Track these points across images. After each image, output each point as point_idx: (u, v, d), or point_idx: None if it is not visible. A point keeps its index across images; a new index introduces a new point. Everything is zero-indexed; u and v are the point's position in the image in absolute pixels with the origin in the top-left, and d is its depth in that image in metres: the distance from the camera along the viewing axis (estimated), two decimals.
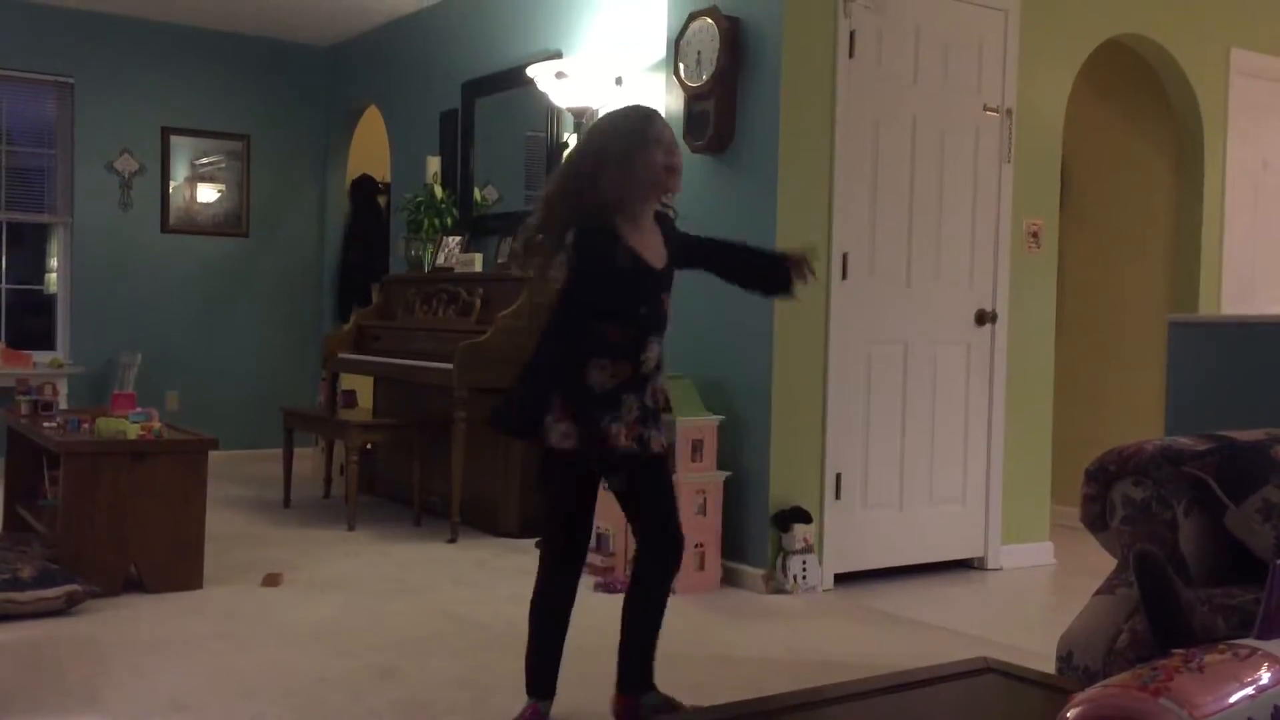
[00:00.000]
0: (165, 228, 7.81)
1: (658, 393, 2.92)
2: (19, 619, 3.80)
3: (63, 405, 6.09)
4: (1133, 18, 5.49)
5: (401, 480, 6.12)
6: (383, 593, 4.38)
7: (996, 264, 5.09)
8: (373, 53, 7.83)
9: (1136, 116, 6.11)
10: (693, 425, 4.47)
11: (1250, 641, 1.46)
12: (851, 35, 4.64)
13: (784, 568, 4.50)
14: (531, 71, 5.45)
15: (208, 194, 8.00)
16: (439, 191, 6.42)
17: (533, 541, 5.30)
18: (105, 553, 4.16)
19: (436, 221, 6.39)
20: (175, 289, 7.81)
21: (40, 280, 7.68)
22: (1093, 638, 2.45)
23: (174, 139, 7.82)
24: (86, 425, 4.48)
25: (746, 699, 2.36)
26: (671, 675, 3.40)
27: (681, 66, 4.79)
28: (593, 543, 4.73)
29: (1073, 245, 6.09)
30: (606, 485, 3.04)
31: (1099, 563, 2.88)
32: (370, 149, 8.36)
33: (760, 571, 4.54)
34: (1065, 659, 2.49)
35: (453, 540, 5.32)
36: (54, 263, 7.62)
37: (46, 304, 7.65)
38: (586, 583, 4.57)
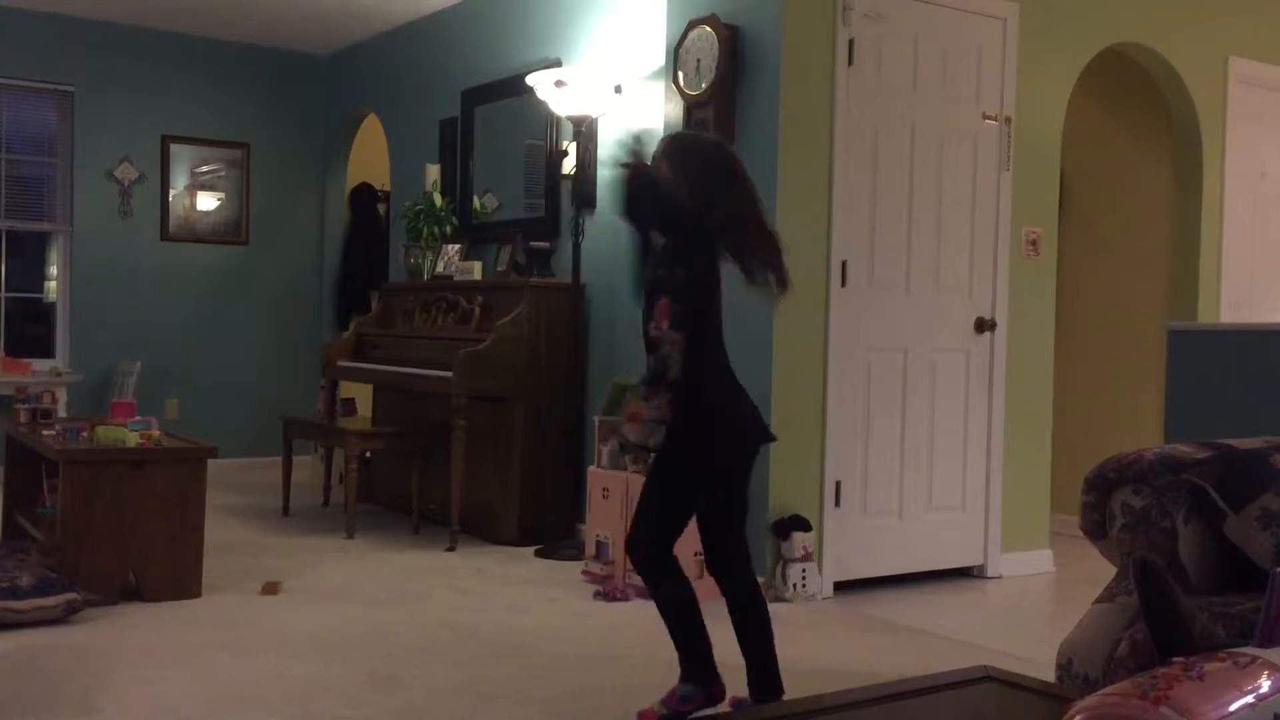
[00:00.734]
0: (165, 236, 7.81)
1: None
2: (17, 627, 3.79)
3: (62, 413, 6.09)
4: (1131, 26, 5.50)
5: (401, 488, 6.12)
6: (382, 601, 4.38)
7: (995, 272, 5.09)
8: (372, 61, 7.84)
9: (1135, 125, 6.12)
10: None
11: (1250, 649, 1.46)
12: (850, 43, 4.65)
13: (783, 576, 4.49)
14: (531, 80, 5.46)
15: (207, 202, 8.00)
16: (438, 199, 6.43)
17: (532, 550, 5.31)
18: (104, 561, 4.16)
19: (436, 229, 6.39)
20: (175, 297, 7.81)
21: (40, 288, 7.69)
22: (1092, 646, 2.44)
23: (174, 147, 7.83)
24: (85, 433, 4.48)
25: (748, 709, 2.36)
26: (670, 683, 3.39)
27: (680, 75, 4.80)
28: (592, 550, 4.76)
29: (1072, 253, 6.09)
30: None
31: (1098, 571, 2.88)
32: (370, 157, 8.37)
33: (760, 580, 4.53)
34: (1065, 667, 2.49)
35: (452, 549, 5.32)
36: (53, 271, 7.62)
37: (46, 312, 7.65)
38: (585, 590, 4.57)
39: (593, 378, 5.58)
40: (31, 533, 4.77)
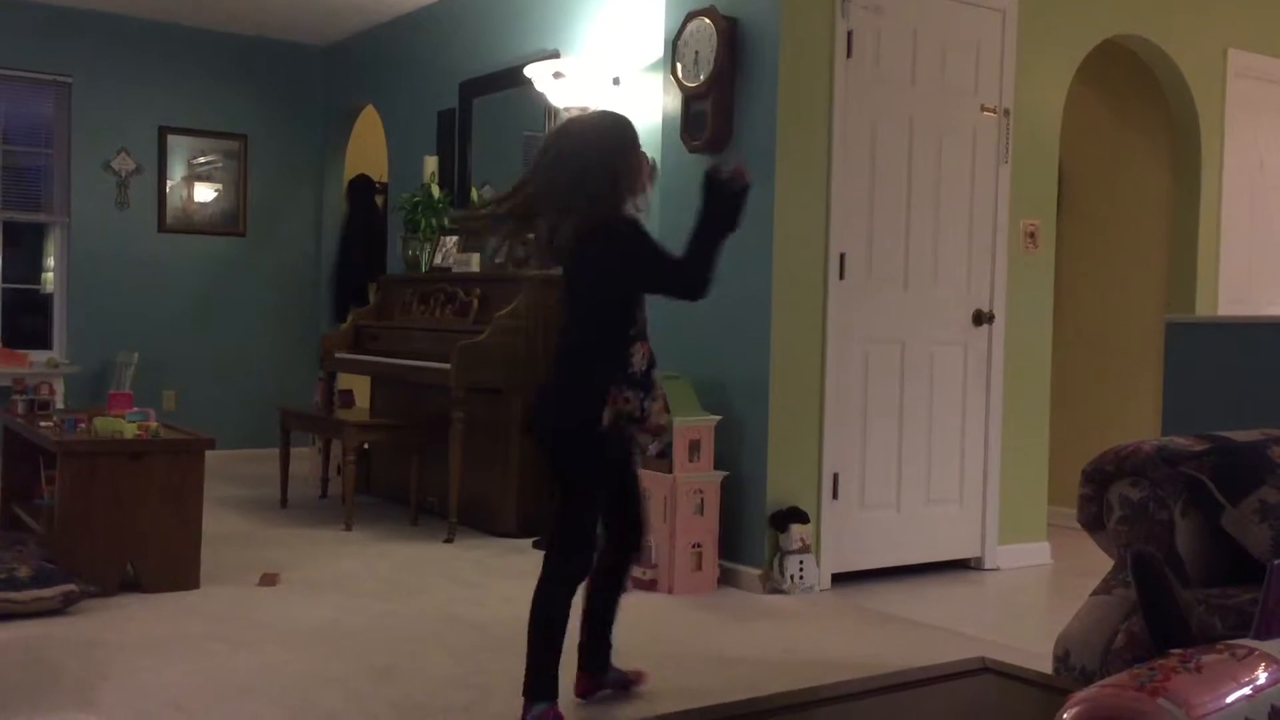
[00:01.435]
0: (162, 227, 7.80)
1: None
2: (15, 619, 3.79)
3: (59, 405, 6.08)
4: (1130, 18, 5.49)
5: (399, 480, 6.12)
6: (380, 593, 4.38)
7: (994, 264, 5.09)
8: (370, 52, 7.83)
9: (1133, 117, 6.12)
10: (690, 425, 4.47)
11: (1247, 641, 1.46)
12: (849, 35, 4.65)
13: (781, 568, 4.50)
14: (529, 71, 5.45)
15: (205, 193, 7.99)
16: (436, 191, 6.42)
17: (530, 541, 5.31)
18: (102, 552, 4.16)
19: (434, 221, 6.39)
20: (172, 288, 7.80)
21: (37, 279, 7.67)
22: (1090, 638, 2.45)
23: (171, 138, 7.81)
24: (83, 425, 4.47)
25: (743, 699, 2.36)
26: (668, 675, 3.40)
27: (679, 66, 4.79)
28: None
29: (1070, 245, 6.09)
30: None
31: (1096, 563, 2.88)
32: (367, 148, 8.36)
33: (757, 571, 4.55)
34: (1062, 659, 2.49)
35: (450, 540, 5.32)
36: (51, 262, 7.61)
37: (43, 303, 7.64)
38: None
39: None
40: (29, 524, 4.77)
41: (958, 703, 2.17)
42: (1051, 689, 2.12)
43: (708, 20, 4.65)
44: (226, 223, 8.05)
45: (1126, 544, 2.53)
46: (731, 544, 4.59)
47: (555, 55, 5.82)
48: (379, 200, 8.41)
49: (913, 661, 3.15)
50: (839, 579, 4.68)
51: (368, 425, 5.86)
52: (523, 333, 5.41)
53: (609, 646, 3.23)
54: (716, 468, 4.56)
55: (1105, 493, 2.61)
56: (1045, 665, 2.57)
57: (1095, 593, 2.57)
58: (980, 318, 5.06)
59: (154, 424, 4.44)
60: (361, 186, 8.49)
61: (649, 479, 4.53)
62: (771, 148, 4.51)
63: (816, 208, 4.61)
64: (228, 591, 4.31)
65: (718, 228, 2.90)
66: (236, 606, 4.11)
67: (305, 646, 3.65)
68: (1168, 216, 5.92)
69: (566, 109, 5.42)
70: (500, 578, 4.67)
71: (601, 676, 3.22)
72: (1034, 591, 4.88)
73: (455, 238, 6.32)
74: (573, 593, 3.04)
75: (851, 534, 4.73)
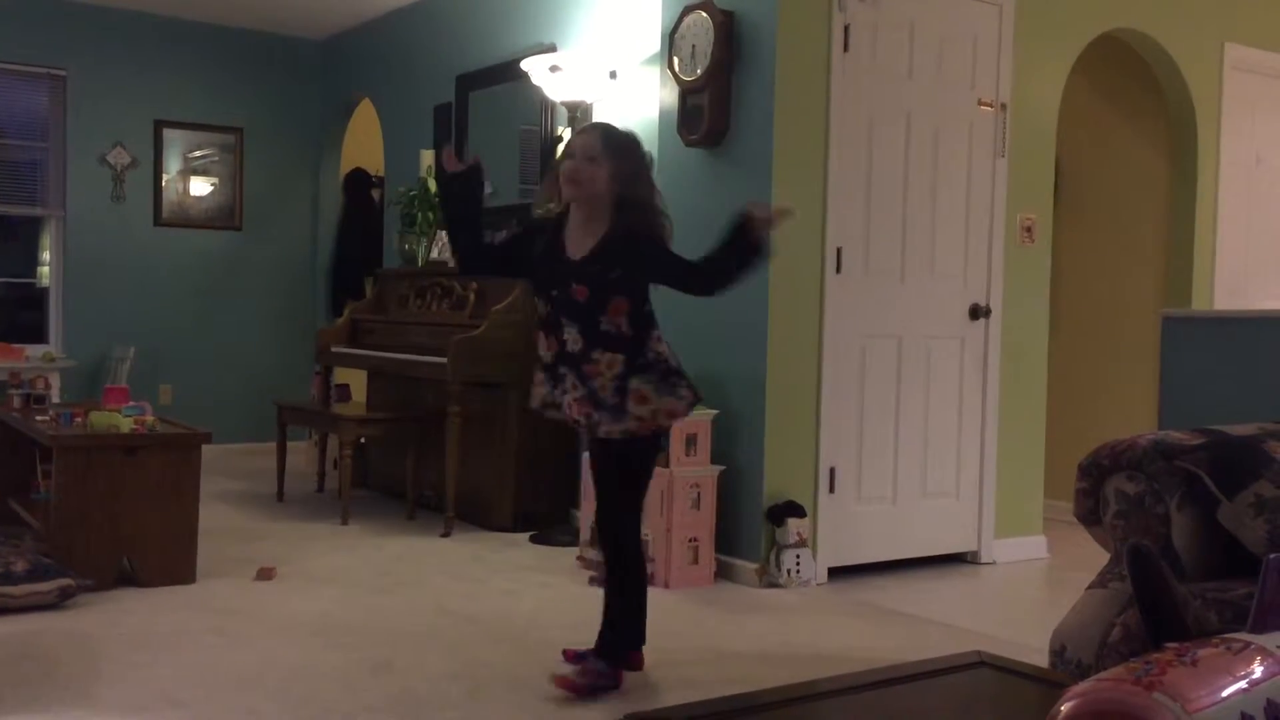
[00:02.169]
0: (158, 221, 7.79)
1: (604, 384, 3.13)
2: (11, 613, 3.79)
3: (55, 399, 6.07)
4: (1127, 12, 5.49)
5: (395, 474, 6.12)
6: (376, 587, 4.38)
7: (990, 258, 5.09)
8: (366, 46, 7.81)
9: (1130, 111, 6.12)
10: (687, 419, 4.47)
11: (1244, 635, 1.46)
12: (846, 29, 4.64)
13: (778, 562, 4.50)
14: (526, 65, 5.44)
15: (201, 187, 7.98)
16: (433, 185, 6.41)
17: (527, 535, 5.31)
18: (98, 546, 4.15)
19: (430, 215, 6.38)
20: (168, 282, 7.79)
21: (32, 273, 7.66)
22: (1086, 632, 2.45)
23: (167, 132, 7.80)
24: (79, 419, 4.47)
25: (740, 692, 2.36)
26: (665, 669, 3.41)
27: (676, 60, 4.78)
28: (587, 535, 4.75)
29: (1066, 240, 6.10)
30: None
31: (1092, 557, 2.89)
32: (364, 142, 8.35)
33: (754, 565, 4.55)
34: (1058, 653, 2.50)
35: (447, 534, 5.32)
36: (46, 256, 7.60)
37: (38, 297, 7.62)
38: (580, 576, 4.58)
39: None
40: (25, 518, 4.77)
41: (954, 696, 2.17)
42: (1047, 683, 2.12)
43: (704, 14, 4.64)
44: (222, 217, 8.04)
45: (1123, 538, 2.53)
46: (728, 538, 4.59)
47: (552, 49, 5.81)
48: (375, 194, 8.40)
49: (909, 655, 3.16)
50: (835, 573, 4.68)
51: (364, 419, 5.86)
52: (519, 327, 5.40)
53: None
54: (713, 462, 4.56)
55: (1101, 487, 2.61)
56: (1041, 659, 2.57)
57: (1091, 587, 2.57)
58: (977, 312, 5.06)
59: (150, 418, 4.43)
60: (358, 180, 8.47)
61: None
62: (768, 141, 4.50)
63: (813, 202, 4.60)
64: (224, 585, 4.30)
65: (749, 252, 3.10)
66: (233, 600, 4.11)
67: (302, 640, 3.65)
68: (1164, 211, 5.92)
69: (563, 102, 5.41)
70: (497, 572, 4.67)
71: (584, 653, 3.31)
72: (1030, 585, 4.88)
73: None
74: None
75: (848, 528, 4.74)
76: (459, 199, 3.33)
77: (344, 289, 8.10)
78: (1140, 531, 2.50)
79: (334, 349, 6.43)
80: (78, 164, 7.50)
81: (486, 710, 3.07)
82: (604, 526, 3.31)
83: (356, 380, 6.82)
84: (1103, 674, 1.38)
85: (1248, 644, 1.42)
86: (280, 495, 6.16)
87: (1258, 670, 1.37)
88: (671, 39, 4.80)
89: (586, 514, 4.83)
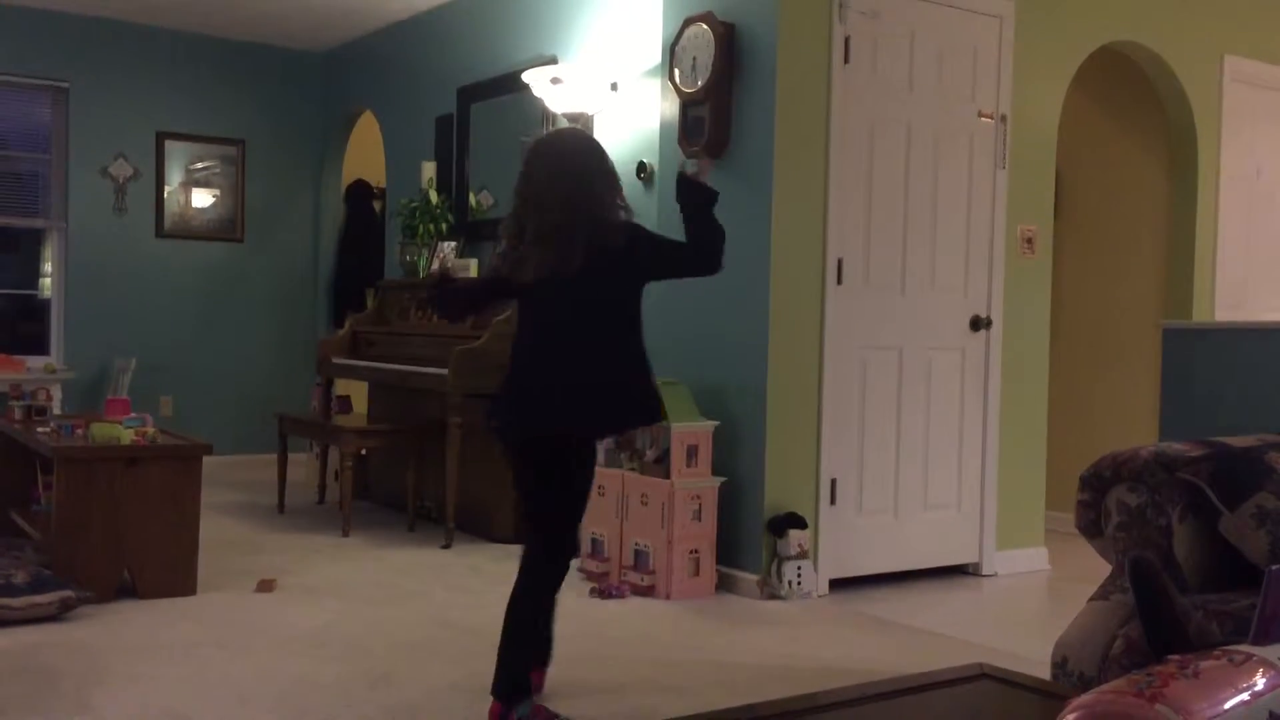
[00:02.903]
0: (160, 233, 7.80)
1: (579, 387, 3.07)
2: (12, 625, 3.79)
3: (56, 410, 6.07)
4: (1127, 24, 5.50)
5: (396, 486, 6.11)
6: (377, 599, 4.38)
7: (991, 270, 5.10)
8: (368, 58, 7.83)
9: (1130, 123, 6.13)
10: (688, 431, 4.47)
11: (1245, 647, 1.46)
12: (846, 41, 4.65)
13: (779, 573, 4.49)
14: (527, 77, 5.45)
15: (202, 199, 7.99)
16: (434, 197, 6.42)
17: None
18: (99, 558, 4.15)
19: (431, 227, 6.39)
20: (170, 294, 7.80)
21: (34, 285, 7.67)
22: (1088, 644, 2.45)
23: (169, 144, 7.81)
24: (80, 430, 4.47)
25: (740, 705, 2.36)
26: (666, 681, 3.40)
27: (677, 72, 4.80)
28: (587, 547, 4.75)
29: (1067, 251, 6.10)
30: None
31: (1094, 568, 2.88)
32: (365, 154, 8.36)
33: (755, 577, 4.54)
34: (1060, 665, 2.49)
35: (447, 546, 5.32)
36: (48, 267, 7.61)
37: (40, 309, 7.63)
38: (581, 587, 4.57)
39: None
40: (26, 530, 4.77)
41: (956, 709, 2.17)
42: (1049, 695, 2.11)
43: (705, 26, 4.65)
44: (224, 228, 8.05)
45: (1124, 550, 2.53)
46: (729, 550, 4.59)
47: (553, 61, 5.82)
48: (377, 206, 8.42)
49: (910, 667, 3.15)
50: (837, 584, 4.68)
51: (365, 431, 5.86)
52: None
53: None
54: (714, 473, 4.56)
55: (1103, 498, 2.61)
56: (1043, 671, 2.57)
57: (1093, 599, 2.57)
58: (978, 323, 5.06)
59: (151, 430, 4.43)
60: (359, 192, 8.49)
61: (647, 484, 4.54)
62: (769, 153, 4.51)
63: (814, 213, 4.61)
64: (225, 597, 4.30)
65: (703, 207, 3.05)
66: (233, 612, 4.11)
67: (302, 652, 3.64)
68: (1165, 222, 5.92)
69: (564, 114, 5.42)
70: (497, 583, 4.66)
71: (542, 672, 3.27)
72: (1032, 597, 4.88)
73: (453, 243, 6.32)
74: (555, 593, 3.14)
75: (849, 539, 4.73)
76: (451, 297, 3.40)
77: (345, 300, 8.12)
78: (1142, 543, 2.50)
79: (335, 360, 6.43)
80: (79, 176, 7.51)
81: None
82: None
83: (357, 392, 6.82)
84: (1105, 686, 1.38)
85: (1250, 656, 1.42)
86: (281, 507, 6.15)
87: (1260, 682, 1.37)
88: (672, 51, 4.82)
89: (587, 526, 4.83)
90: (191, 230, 7.93)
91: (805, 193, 4.58)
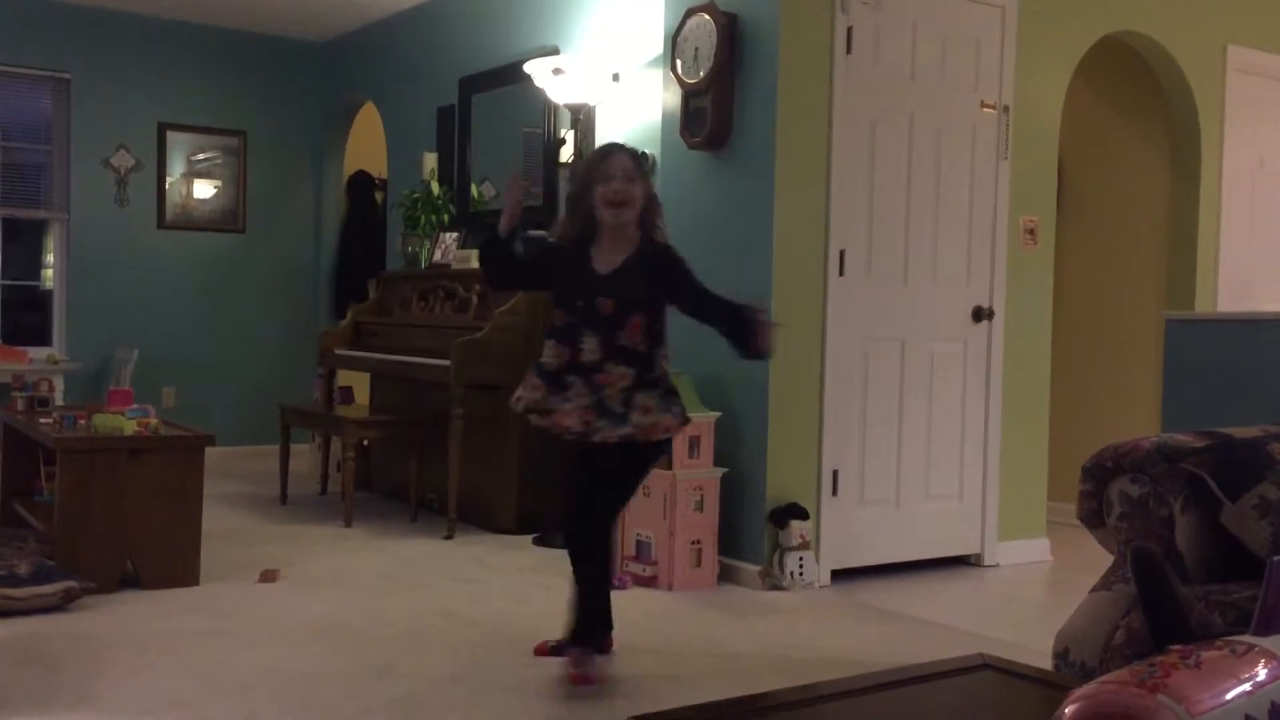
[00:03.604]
0: (162, 224, 7.80)
1: (612, 395, 3.24)
2: (15, 615, 3.79)
3: (59, 401, 6.08)
4: (1130, 14, 5.49)
5: (398, 477, 6.12)
6: (379, 589, 4.38)
7: (993, 261, 5.09)
8: (369, 48, 7.82)
9: (1133, 113, 6.12)
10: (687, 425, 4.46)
11: (1247, 638, 1.46)
12: (849, 31, 4.64)
13: (781, 564, 4.50)
14: (529, 67, 5.45)
15: (204, 190, 7.99)
16: (436, 188, 6.42)
17: (529, 538, 5.31)
18: (102, 549, 4.16)
19: (433, 218, 6.39)
20: (172, 285, 7.80)
21: (36, 276, 7.67)
22: (1089, 634, 2.45)
23: (170, 135, 7.81)
24: (83, 421, 4.47)
25: (743, 695, 2.36)
26: (668, 671, 3.41)
27: (679, 63, 4.79)
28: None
29: (1069, 242, 6.09)
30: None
31: (1096, 559, 2.88)
32: (367, 145, 8.36)
33: (757, 568, 4.55)
34: (1062, 655, 2.50)
35: (449, 537, 5.32)
36: (50, 258, 7.61)
37: (42, 300, 7.64)
38: None
39: None
40: (29, 521, 4.77)
41: (957, 699, 2.17)
42: (1051, 685, 2.12)
43: (707, 16, 4.64)
44: (226, 219, 8.05)
45: (1126, 540, 2.53)
46: (731, 541, 4.59)
47: (555, 51, 5.81)
48: (378, 197, 8.41)
49: (912, 658, 3.15)
50: (838, 575, 4.68)
51: (367, 422, 5.86)
52: (522, 329, 5.41)
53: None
54: (716, 464, 4.56)
55: (1105, 489, 2.61)
56: (1045, 662, 2.57)
57: (1095, 589, 2.57)
58: (980, 314, 5.05)
59: (154, 421, 4.44)
60: (361, 183, 8.49)
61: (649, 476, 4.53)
62: (771, 144, 4.50)
63: (816, 204, 4.60)
64: (227, 588, 4.31)
65: (740, 341, 3.36)
66: (236, 603, 4.11)
67: (304, 643, 3.65)
68: (1167, 213, 5.91)
69: (566, 105, 5.42)
70: (499, 574, 4.67)
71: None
72: (1033, 588, 4.88)
73: (454, 234, 6.32)
74: None
75: (851, 530, 4.74)
76: (503, 244, 3.46)
77: (347, 291, 8.12)
78: (1144, 534, 2.50)
79: (337, 351, 6.43)
80: (81, 167, 7.51)
81: (488, 713, 3.07)
82: (577, 528, 3.41)
83: (359, 382, 6.82)
84: (1106, 677, 1.38)
85: (1251, 646, 1.42)
86: (283, 498, 6.16)
87: (1262, 673, 1.37)
88: (674, 41, 4.81)
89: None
90: (193, 221, 7.93)
91: (807, 184, 4.58)
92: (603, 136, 5.54)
